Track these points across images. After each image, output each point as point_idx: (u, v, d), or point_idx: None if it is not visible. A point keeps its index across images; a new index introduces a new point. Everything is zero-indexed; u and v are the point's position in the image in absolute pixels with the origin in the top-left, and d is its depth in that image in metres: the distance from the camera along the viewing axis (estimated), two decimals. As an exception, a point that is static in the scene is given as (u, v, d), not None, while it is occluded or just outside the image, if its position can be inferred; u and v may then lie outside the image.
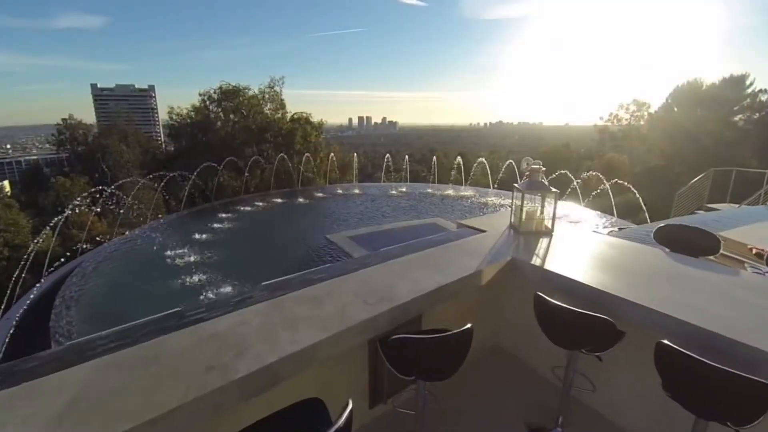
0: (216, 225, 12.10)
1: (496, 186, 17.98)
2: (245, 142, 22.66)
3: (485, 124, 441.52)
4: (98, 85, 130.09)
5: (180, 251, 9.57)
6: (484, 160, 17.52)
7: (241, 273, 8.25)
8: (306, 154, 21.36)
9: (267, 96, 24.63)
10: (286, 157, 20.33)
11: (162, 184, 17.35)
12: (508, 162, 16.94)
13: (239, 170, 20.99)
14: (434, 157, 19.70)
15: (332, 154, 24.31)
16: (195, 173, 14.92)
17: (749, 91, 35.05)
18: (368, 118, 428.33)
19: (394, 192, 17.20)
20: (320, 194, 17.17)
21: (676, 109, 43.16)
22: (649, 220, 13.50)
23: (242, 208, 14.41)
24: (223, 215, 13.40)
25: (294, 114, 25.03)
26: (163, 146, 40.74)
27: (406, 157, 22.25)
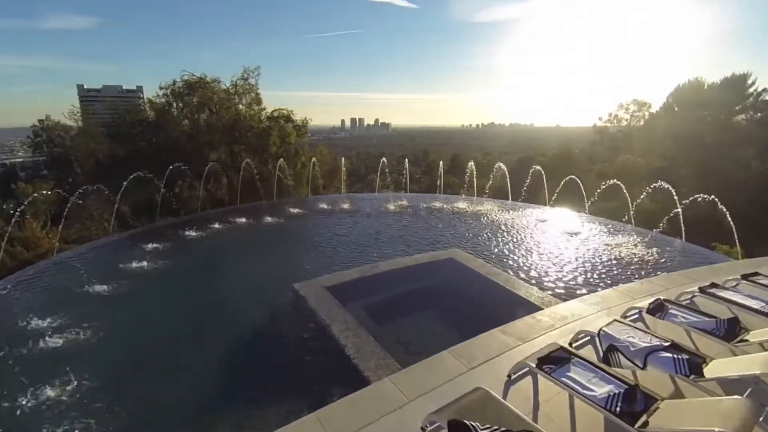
0: (137, 264, 8.39)
1: (522, 198, 14.66)
2: (209, 144, 18.97)
3: (477, 125, 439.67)
4: (85, 86, 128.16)
5: (48, 321, 5.95)
6: (503, 166, 14.18)
7: (127, 384, 4.86)
8: (280, 159, 17.91)
9: (240, 89, 20.59)
10: (250, 162, 16.69)
11: (65, 202, 13.58)
12: (533, 168, 13.63)
13: (205, 178, 17.61)
14: (440, 162, 16.34)
15: (314, 158, 20.63)
16: (122, 188, 11.29)
17: (751, 90, 34.02)
18: (361, 120, 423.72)
19: (392, 206, 13.89)
20: (297, 210, 13.61)
21: (677, 109, 41.52)
22: (741, 254, 10.59)
23: (187, 233, 10.69)
24: (154, 246, 9.56)
25: (273, 111, 21.16)
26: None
27: (406, 161, 18.44)
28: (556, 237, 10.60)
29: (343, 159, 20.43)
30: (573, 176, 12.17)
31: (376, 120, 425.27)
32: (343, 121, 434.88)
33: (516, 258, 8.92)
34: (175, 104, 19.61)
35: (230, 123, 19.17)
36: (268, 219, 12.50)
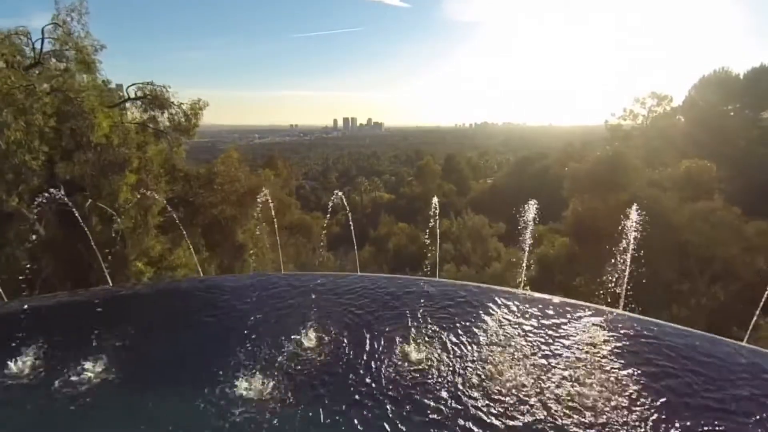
0: None
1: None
2: None
3: (470, 124, 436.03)
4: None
5: None
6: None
7: None
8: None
9: (56, 44, 11.59)
10: None
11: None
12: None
13: None
14: (434, 201, 7.08)
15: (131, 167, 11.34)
16: None
17: (781, 83, 31.71)
18: (353, 119, 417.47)
19: (288, 351, 5.31)
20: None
21: (701, 103, 37.95)
22: None
23: None
24: None
25: (130, 86, 13.00)
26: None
27: (337, 193, 10.59)
28: None
29: (256, 170, 11.15)
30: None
31: (369, 119, 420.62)
32: (335, 121, 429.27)
33: None
34: None
35: None
36: None
